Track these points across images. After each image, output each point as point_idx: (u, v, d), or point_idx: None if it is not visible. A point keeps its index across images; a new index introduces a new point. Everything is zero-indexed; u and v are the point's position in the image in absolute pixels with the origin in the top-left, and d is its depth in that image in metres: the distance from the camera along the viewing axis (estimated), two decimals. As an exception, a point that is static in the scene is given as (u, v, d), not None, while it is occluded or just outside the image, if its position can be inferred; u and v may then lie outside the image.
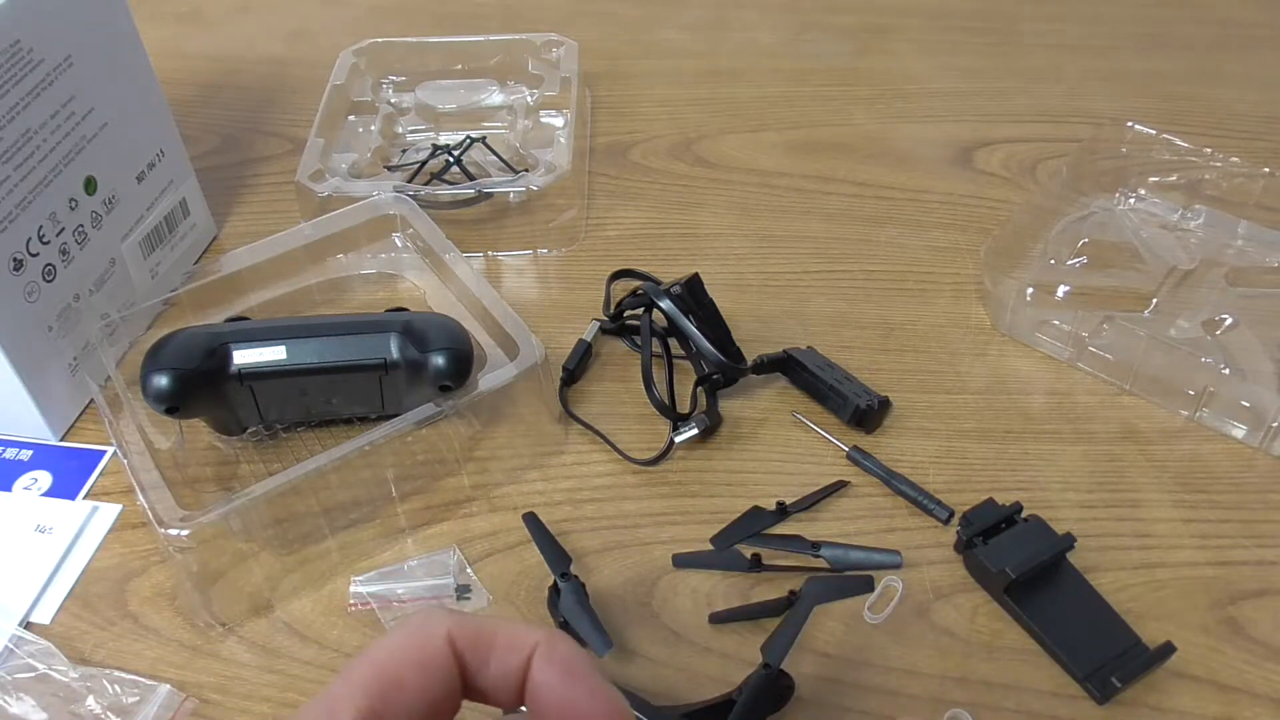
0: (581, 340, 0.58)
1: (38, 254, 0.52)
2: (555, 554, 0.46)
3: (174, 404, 0.48)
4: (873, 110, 0.79)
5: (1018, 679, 0.44)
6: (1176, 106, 0.79)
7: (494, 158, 0.71)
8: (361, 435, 0.47)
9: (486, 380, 0.50)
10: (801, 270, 0.64)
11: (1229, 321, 0.58)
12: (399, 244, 0.61)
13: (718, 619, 0.46)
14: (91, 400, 0.56)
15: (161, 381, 0.48)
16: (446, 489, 0.51)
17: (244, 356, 0.49)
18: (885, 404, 0.54)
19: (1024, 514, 0.48)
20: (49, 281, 0.52)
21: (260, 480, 0.45)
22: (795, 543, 0.48)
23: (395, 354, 0.50)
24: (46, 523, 0.51)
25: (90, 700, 0.43)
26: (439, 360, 0.48)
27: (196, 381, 0.48)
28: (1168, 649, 0.43)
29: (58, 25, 0.52)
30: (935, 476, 0.52)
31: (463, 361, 0.49)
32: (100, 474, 0.53)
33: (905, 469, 0.52)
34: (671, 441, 0.53)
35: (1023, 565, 0.45)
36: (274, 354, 0.50)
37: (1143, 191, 0.67)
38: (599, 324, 0.59)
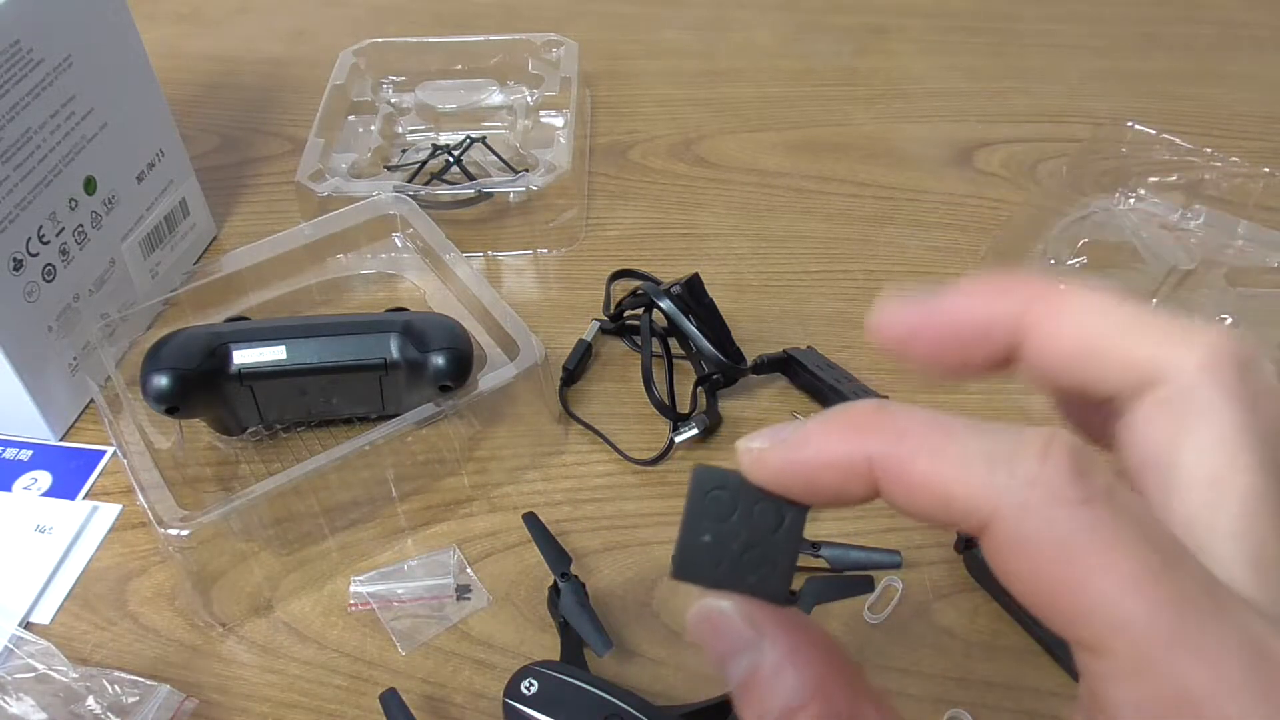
0: (581, 340, 0.58)
1: (38, 254, 0.52)
2: (555, 554, 0.46)
3: (174, 404, 0.48)
4: (873, 110, 0.79)
5: (1018, 679, 0.44)
6: (1176, 106, 0.79)
7: (494, 158, 0.71)
8: (361, 435, 0.47)
9: (486, 380, 0.50)
10: (801, 270, 0.64)
11: (1229, 321, 0.58)
12: (399, 244, 0.61)
13: (718, 619, 0.46)
14: (91, 400, 0.56)
15: (161, 381, 0.48)
16: (446, 489, 0.51)
17: (244, 356, 0.49)
18: (885, 404, 0.54)
19: (1024, 514, 0.48)
20: (49, 281, 0.52)
21: (260, 480, 0.45)
22: (795, 543, 0.48)
23: (395, 354, 0.50)
24: (46, 523, 0.51)
25: (90, 700, 0.43)
26: (439, 360, 0.48)
27: (196, 381, 0.48)
28: (1168, 649, 0.43)
29: (58, 25, 0.52)
30: (935, 476, 0.51)
31: (463, 361, 0.49)
32: (100, 474, 0.53)
33: (905, 469, 0.51)
34: (671, 441, 0.53)
35: (1023, 565, 0.45)
36: (274, 354, 0.50)
37: (1143, 191, 0.67)
38: (599, 324, 0.59)
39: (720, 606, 0.22)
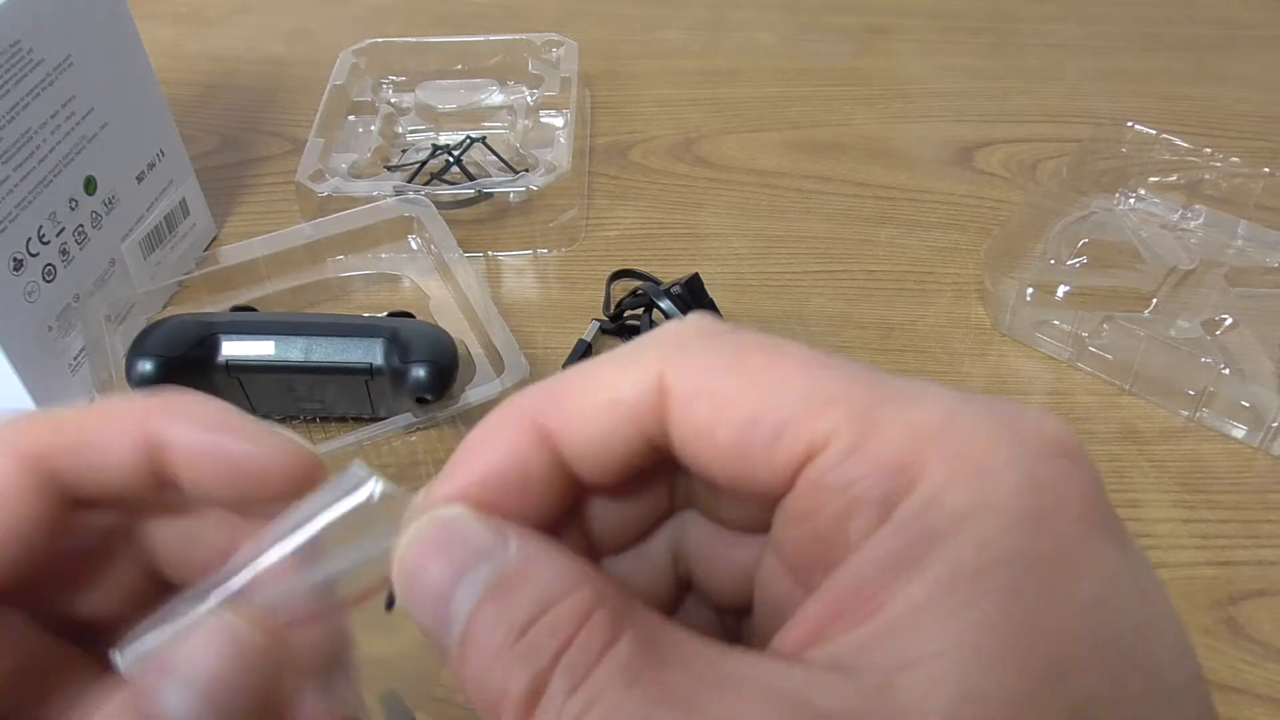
0: (581, 340, 0.58)
1: (38, 254, 0.52)
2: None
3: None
4: (873, 110, 0.79)
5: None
6: (1176, 106, 0.79)
7: (494, 158, 0.71)
8: (338, 438, 0.47)
9: (472, 394, 0.50)
10: (801, 270, 0.64)
11: (1229, 321, 0.58)
12: (414, 246, 0.61)
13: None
14: (92, 400, 0.56)
15: (144, 367, 0.48)
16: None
17: (232, 349, 0.49)
18: (885, 404, 0.54)
19: (1024, 514, 0.48)
20: (49, 281, 0.52)
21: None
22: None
23: (380, 360, 0.50)
24: (46, 523, 0.50)
25: None
26: (418, 373, 0.48)
27: (181, 369, 0.48)
28: (1168, 649, 0.43)
29: (58, 25, 0.52)
30: (935, 476, 0.51)
31: (442, 377, 0.49)
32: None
33: (905, 469, 0.51)
34: (671, 441, 0.53)
35: (1023, 565, 0.45)
36: (261, 349, 0.50)
37: (1143, 191, 0.67)
38: (599, 324, 0.59)
39: (454, 512, 0.18)
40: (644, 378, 0.17)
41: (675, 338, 0.18)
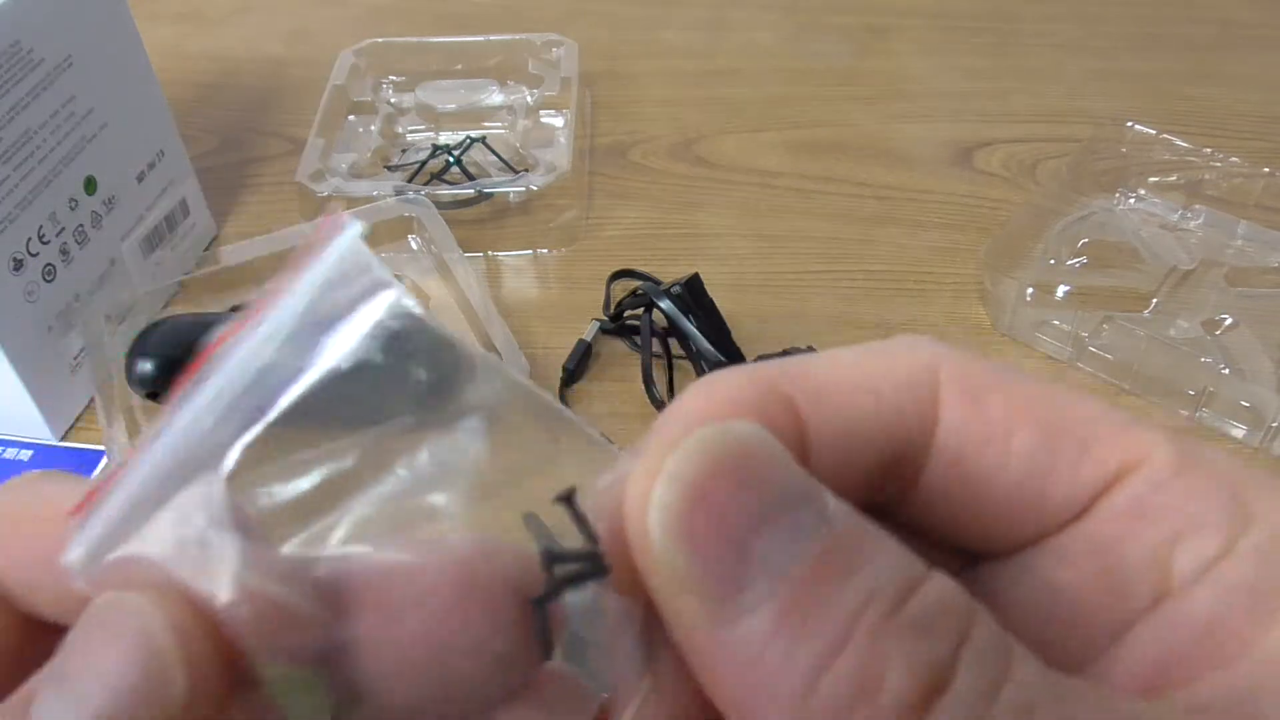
0: (581, 340, 0.58)
1: (38, 254, 0.52)
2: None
3: (156, 389, 0.49)
4: (873, 110, 0.79)
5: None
6: (1176, 106, 0.79)
7: (494, 158, 0.71)
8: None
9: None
10: (802, 270, 0.64)
11: (1229, 321, 0.58)
12: (414, 246, 0.61)
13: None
14: (92, 400, 0.56)
15: (145, 367, 0.48)
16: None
17: None
18: (885, 404, 0.54)
19: (1024, 514, 0.48)
20: (49, 281, 0.52)
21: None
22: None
23: None
24: (46, 523, 0.51)
25: None
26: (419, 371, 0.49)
27: (181, 369, 0.49)
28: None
29: (58, 25, 0.52)
30: (935, 476, 0.51)
31: (442, 374, 0.49)
32: (101, 474, 0.53)
33: (905, 469, 0.51)
34: (672, 441, 0.53)
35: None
36: None
37: (1143, 191, 0.67)
38: (599, 324, 0.59)
39: (751, 431, 0.13)
40: (914, 364, 0.15)
41: (925, 339, 0.16)
